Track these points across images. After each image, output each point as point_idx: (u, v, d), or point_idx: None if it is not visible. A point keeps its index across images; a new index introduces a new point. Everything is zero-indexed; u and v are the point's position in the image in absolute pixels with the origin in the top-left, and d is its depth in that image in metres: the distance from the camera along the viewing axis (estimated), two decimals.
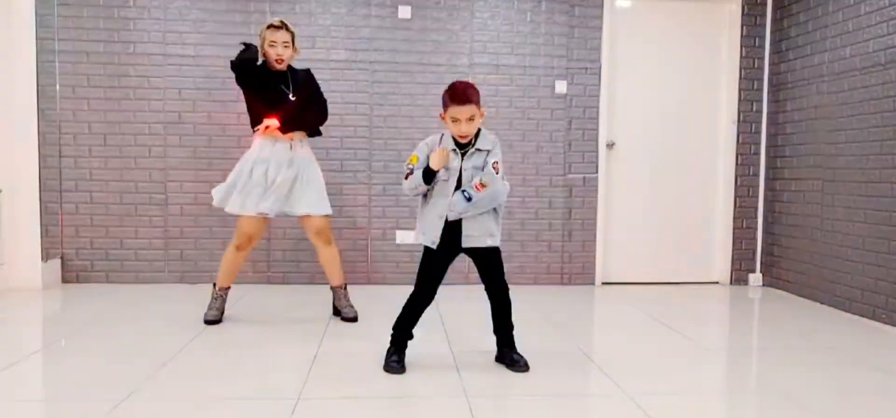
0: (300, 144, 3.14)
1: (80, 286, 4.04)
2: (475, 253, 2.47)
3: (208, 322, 3.12)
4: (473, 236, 2.42)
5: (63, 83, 4.04)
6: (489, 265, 2.49)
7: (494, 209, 2.45)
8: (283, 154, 3.07)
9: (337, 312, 3.32)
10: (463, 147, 2.42)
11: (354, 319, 3.24)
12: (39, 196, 3.94)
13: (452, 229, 2.41)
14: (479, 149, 2.41)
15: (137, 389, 2.22)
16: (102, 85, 4.07)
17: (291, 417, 2.01)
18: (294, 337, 2.94)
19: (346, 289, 3.32)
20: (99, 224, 4.12)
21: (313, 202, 3.12)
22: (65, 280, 4.11)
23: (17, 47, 3.82)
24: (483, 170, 2.39)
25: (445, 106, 2.39)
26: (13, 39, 3.81)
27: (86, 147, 4.08)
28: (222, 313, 3.20)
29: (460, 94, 2.36)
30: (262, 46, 3.09)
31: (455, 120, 2.35)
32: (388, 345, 2.53)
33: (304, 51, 4.09)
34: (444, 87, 4.13)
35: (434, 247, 2.42)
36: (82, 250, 4.12)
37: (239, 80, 3.10)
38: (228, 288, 3.22)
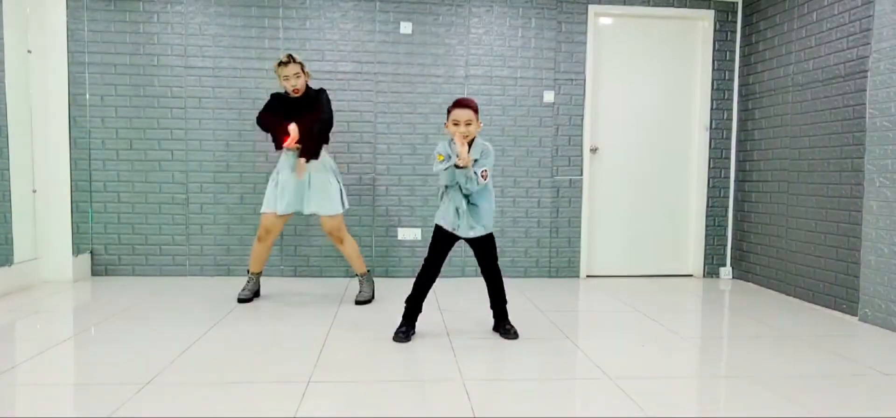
0: None
1: (108, 279, 4.03)
2: (475, 240, 2.72)
3: (240, 300, 3.37)
4: (476, 228, 2.69)
5: (92, 92, 4.02)
6: (486, 250, 2.74)
7: (490, 205, 2.73)
8: (290, 161, 3.30)
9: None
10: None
11: (364, 302, 3.40)
12: (71, 196, 3.92)
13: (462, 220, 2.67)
14: (477, 160, 2.65)
15: (160, 374, 2.21)
16: (129, 94, 4.05)
17: (302, 400, 2.01)
18: (303, 327, 2.94)
19: (366, 276, 3.48)
20: (125, 221, 4.11)
21: (318, 203, 3.30)
22: (94, 273, 4.10)
23: (50, 59, 3.80)
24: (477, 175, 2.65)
25: (448, 112, 2.63)
26: (47, 52, 3.79)
27: (113, 151, 4.07)
28: (253, 294, 3.46)
29: (461, 100, 2.63)
30: (279, 81, 3.30)
31: (455, 122, 2.59)
32: (400, 321, 2.76)
33: (314, 63, 4.10)
34: (443, 96, 4.22)
35: (456, 232, 2.68)
36: (110, 245, 4.11)
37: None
38: (259, 272, 3.47)
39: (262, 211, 3.35)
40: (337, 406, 1.97)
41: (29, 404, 1.98)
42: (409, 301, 2.74)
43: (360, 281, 3.48)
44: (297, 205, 3.32)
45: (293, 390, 2.08)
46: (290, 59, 3.22)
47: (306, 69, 3.31)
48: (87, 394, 2.05)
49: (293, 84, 3.23)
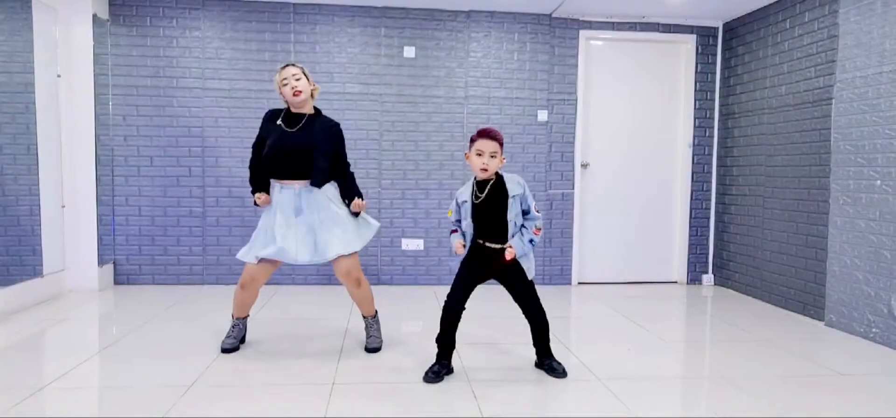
0: (308, 191, 2.72)
1: (130, 288, 4.24)
2: (508, 276, 2.50)
3: (224, 350, 2.78)
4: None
5: (115, 112, 4.24)
6: (523, 288, 2.54)
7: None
8: (289, 202, 2.71)
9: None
10: (482, 184, 2.42)
11: (375, 350, 2.86)
12: (96, 209, 4.14)
13: (485, 256, 2.45)
14: (513, 197, 2.40)
15: (199, 379, 2.45)
16: (150, 114, 4.27)
17: (329, 400, 2.25)
18: (320, 333, 3.17)
19: (374, 318, 2.96)
20: (146, 233, 4.33)
21: (339, 243, 2.71)
22: (117, 282, 4.32)
23: (77, 83, 4.02)
24: (526, 215, 2.43)
25: (472, 141, 2.41)
26: (74, 76, 4.01)
27: (135, 167, 4.29)
28: (239, 341, 2.88)
29: (488, 130, 2.41)
30: (279, 91, 2.75)
31: (479, 153, 2.37)
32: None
33: (323, 84, 4.34)
34: (444, 115, 4.46)
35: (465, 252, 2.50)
36: (132, 256, 4.32)
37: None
38: (243, 317, 2.88)
39: (249, 259, 2.71)
40: None
41: (81, 406, 2.21)
42: (438, 340, 2.53)
43: (367, 323, 2.94)
44: (315, 255, 2.71)
45: (320, 391, 2.32)
46: (290, 63, 2.86)
47: (311, 80, 2.79)
48: (135, 399, 2.26)
49: (293, 85, 2.69)
